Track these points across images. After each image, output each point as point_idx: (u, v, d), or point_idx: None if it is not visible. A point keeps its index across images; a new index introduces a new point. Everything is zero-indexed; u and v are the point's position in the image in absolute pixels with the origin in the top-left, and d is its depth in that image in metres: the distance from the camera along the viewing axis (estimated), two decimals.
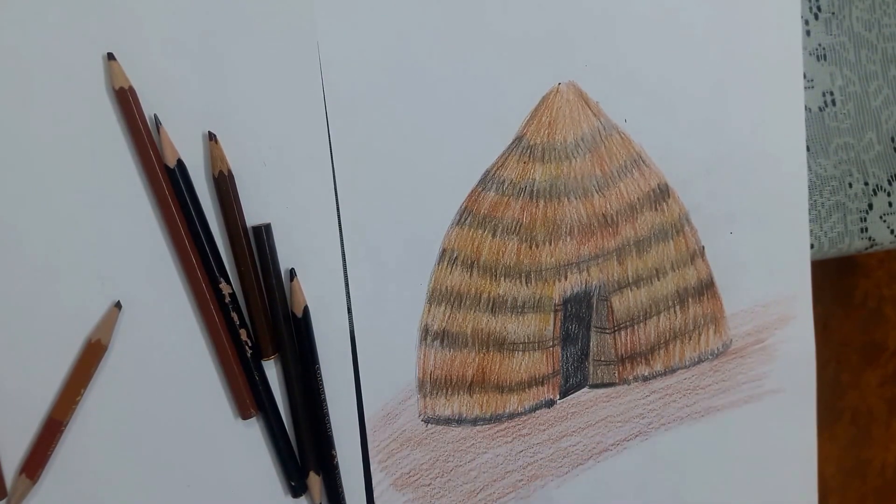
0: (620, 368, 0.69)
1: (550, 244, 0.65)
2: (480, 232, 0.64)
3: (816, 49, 0.72)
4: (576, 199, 0.66)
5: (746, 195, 0.70)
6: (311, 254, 0.60)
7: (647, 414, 0.70)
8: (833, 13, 0.72)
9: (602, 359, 0.68)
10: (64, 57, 0.54)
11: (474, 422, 0.66)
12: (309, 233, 0.60)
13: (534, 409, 0.67)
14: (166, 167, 0.56)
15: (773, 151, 0.70)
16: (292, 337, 0.60)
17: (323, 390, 0.61)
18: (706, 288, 0.70)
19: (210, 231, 0.58)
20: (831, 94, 0.73)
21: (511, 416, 0.67)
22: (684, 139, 0.68)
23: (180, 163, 0.56)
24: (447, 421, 0.66)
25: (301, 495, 0.62)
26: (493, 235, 0.64)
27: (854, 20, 0.73)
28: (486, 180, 0.64)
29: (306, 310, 0.60)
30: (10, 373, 0.56)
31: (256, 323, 0.59)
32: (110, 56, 0.55)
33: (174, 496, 0.60)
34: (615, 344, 0.68)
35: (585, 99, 0.65)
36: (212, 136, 0.57)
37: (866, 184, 0.74)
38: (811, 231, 0.73)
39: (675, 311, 0.69)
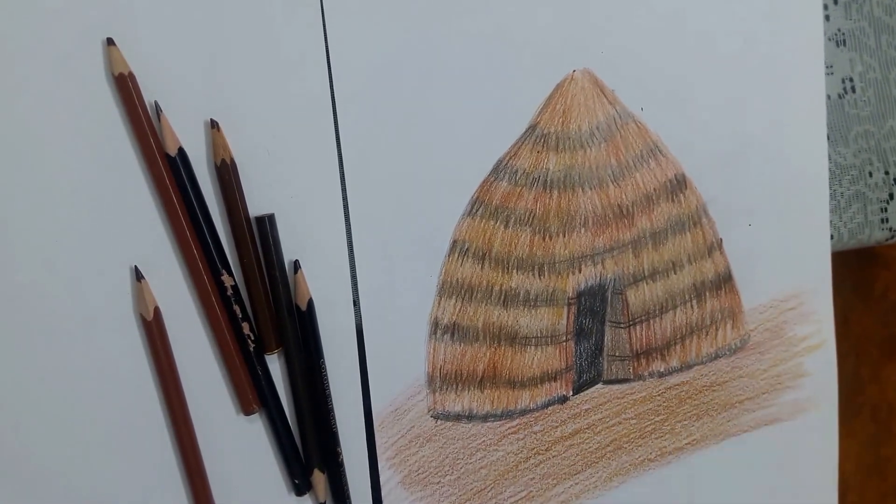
0: (635, 364, 0.68)
1: (564, 236, 0.64)
2: (492, 223, 0.63)
3: (836, 34, 0.71)
4: (590, 189, 0.64)
5: (765, 186, 0.69)
6: (315, 245, 0.59)
7: (662, 410, 0.69)
8: None
9: (616, 354, 0.67)
10: (62, 42, 0.53)
11: (485, 418, 0.65)
12: (314, 224, 0.59)
13: (546, 405, 0.66)
14: (167, 155, 0.55)
15: (793, 141, 0.68)
16: (296, 330, 0.59)
17: (328, 385, 0.60)
18: (724, 281, 0.69)
19: (212, 221, 0.57)
20: (851, 80, 0.72)
21: (523, 413, 0.66)
22: (702, 128, 0.67)
23: (181, 151, 0.55)
24: (457, 417, 0.65)
25: (305, 493, 0.61)
26: (506, 226, 0.63)
27: (874, 4, 0.71)
28: (498, 170, 0.63)
29: (310, 303, 0.59)
30: (8, 365, 0.55)
31: (259, 316, 0.58)
32: (110, 41, 0.54)
33: (174, 494, 0.59)
34: (630, 339, 0.67)
35: (601, 86, 0.64)
36: (214, 124, 0.56)
37: (887, 173, 0.73)
38: (830, 222, 0.72)
39: (691, 306, 0.68)
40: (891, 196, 0.73)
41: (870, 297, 1.89)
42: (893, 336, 1.91)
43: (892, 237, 0.75)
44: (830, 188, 0.71)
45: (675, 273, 0.67)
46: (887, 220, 0.74)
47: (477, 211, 0.63)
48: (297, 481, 0.61)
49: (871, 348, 1.90)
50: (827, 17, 0.70)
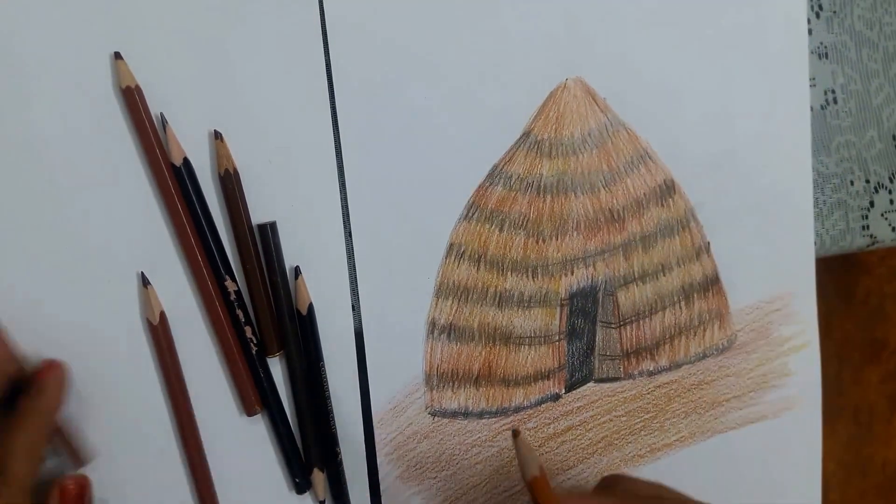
0: (626, 363, 0.69)
1: (557, 239, 0.66)
2: (488, 227, 0.64)
3: (818, 47, 0.72)
4: (582, 194, 0.66)
5: (752, 191, 0.70)
6: (315, 252, 0.60)
7: (651, 408, 0.70)
8: (834, 12, 0.72)
9: (607, 353, 0.68)
10: (71, 56, 0.54)
11: (480, 415, 0.66)
12: (314, 231, 0.60)
13: (539, 402, 0.68)
14: (173, 166, 0.56)
15: (778, 148, 0.70)
16: (297, 334, 0.60)
17: (327, 387, 0.61)
18: (711, 283, 0.70)
19: (216, 229, 0.58)
20: (833, 92, 0.73)
21: (517, 410, 0.67)
22: (691, 136, 0.68)
23: (186, 161, 0.56)
24: (453, 414, 0.66)
25: (305, 492, 0.62)
26: (501, 230, 0.65)
27: (855, 19, 0.73)
28: (493, 175, 0.64)
29: (311, 307, 0.60)
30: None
31: (261, 320, 0.59)
32: (117, 55, 0.55)
33: (178, 492, 0.60)
34: (620, 339, 0.68)
35: (593, 95, 0.65)
36: (218, 135, 0.57)
37: (868, 181, 0.74)
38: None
39: (680, 307, 0.69)
40: (871, 204, 0.75)
41: (852, 302, 1.90)
42: (874, 340, 1.93)
43: (873, 244, 0.76)
44: (813, 196, 0.73)
45: (664, 275, 0.68)
46: (868, 227, 0.75)
47: (473, 215, 0.64)
48: (297, 480, 0.62)
49: (853, 352, 1.91)
50: (810, 31, 0.71)
